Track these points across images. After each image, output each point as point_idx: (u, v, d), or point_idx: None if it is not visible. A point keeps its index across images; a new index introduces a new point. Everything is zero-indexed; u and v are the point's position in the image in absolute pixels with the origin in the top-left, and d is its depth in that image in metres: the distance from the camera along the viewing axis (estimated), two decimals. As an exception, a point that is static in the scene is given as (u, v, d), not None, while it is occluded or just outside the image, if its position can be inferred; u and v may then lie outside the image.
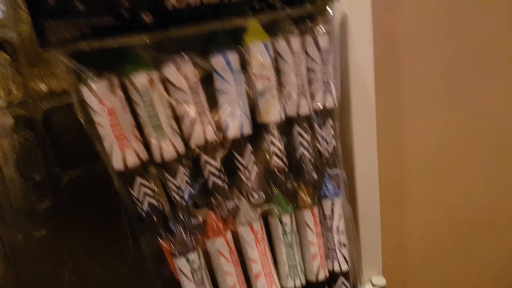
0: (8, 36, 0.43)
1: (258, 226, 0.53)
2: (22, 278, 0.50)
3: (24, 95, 0.47)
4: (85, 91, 0.43)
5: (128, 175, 0.46)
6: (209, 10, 0.44)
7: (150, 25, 0.42)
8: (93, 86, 0.42)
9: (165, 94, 0.46)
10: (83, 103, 0.44)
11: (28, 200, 0.49)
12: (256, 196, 0.52)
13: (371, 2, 0.57)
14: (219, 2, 0.44)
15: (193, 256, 0.49)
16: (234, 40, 0.48)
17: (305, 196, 0.56)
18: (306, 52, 0.52)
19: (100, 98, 0.43)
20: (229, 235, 0.52)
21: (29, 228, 0.50)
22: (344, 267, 0.60)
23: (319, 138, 0.56)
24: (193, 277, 0.49)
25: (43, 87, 0.47)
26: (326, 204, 0.58)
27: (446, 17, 0.67)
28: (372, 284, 0.70)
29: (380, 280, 0.70)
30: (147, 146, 0.47)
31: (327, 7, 0.52)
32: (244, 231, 0.53)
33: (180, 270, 0.49)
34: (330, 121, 0.56)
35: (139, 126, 0.46)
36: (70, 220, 0.52)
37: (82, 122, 0.45)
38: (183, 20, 0.44)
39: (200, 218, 0.50)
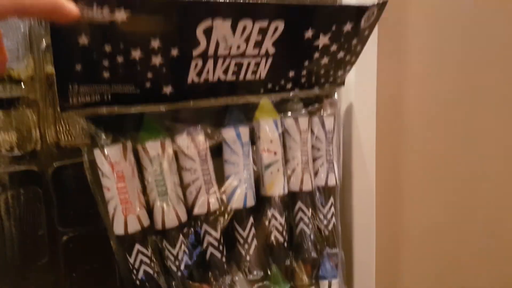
0: (32, 94, 0.46)
1: (254, 304, 0.51)
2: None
3: (38, 150, 0.48)
4: (97, 154, 0.43)
5: (127, 240, 0.45)
6: (225, 86, 0.47)
7: (168, 96, 0.45)
8: (106, 150, 0.43)
9: (175, 161, 0.47)
10: (93, 165, 0.44)
11: (24, 256, 0.47)
12: (254, 272, 0.51)
13: (376, 91, 0.61)
14: (234, 80, 0.47)
15: (183, 332, 0.47)
16: (246, 115, 0.50)
17: (302, 275, 0.55)
18: (312, 131, 0.54)
19: (111, 162, 0.43)
20: (222, 312, 0.50)
21: (22, 284, 0.48)
22: None
23: (320, 215, 0.56)
24: None
25: (58, 144, 0.48)
26: (323, 285, 0.56)
27: (448, 104, 0.71)
28: None
29: None
30: (149, 211, 0.47)
31: (334, 91, 0.56)
32: (239, 309, 0.51)
33: None
34: (331, 199, 0.57)
35: (144, 191, 0.47)
36: (63, 280, 0.50)
37: (90, 183, 0.45)
38: (200, 93, 0.46)
39: (195, 292, 0.48)
